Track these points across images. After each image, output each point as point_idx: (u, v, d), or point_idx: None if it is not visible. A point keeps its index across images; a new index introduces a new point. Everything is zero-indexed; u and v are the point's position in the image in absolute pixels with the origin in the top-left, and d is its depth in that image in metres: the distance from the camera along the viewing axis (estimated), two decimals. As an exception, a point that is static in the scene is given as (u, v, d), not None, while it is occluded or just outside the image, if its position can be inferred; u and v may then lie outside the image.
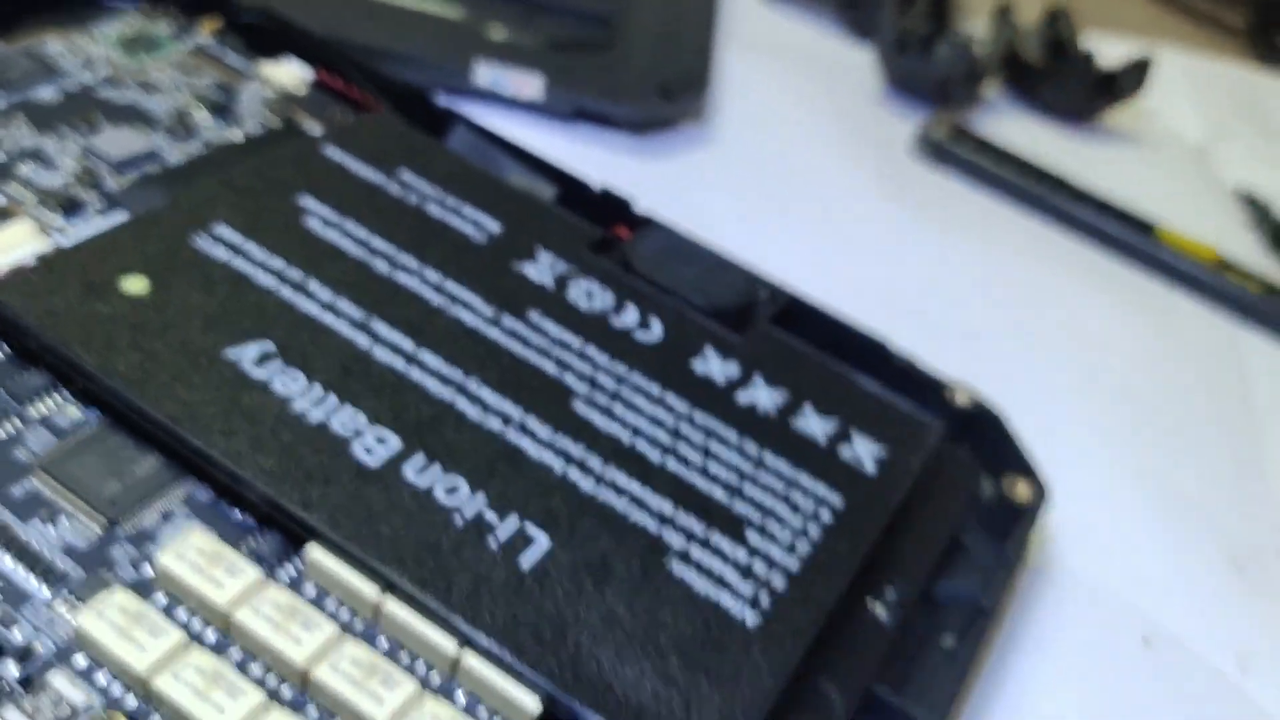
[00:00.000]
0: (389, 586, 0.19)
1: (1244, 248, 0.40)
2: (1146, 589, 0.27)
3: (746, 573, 0.21)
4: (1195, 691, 0.25)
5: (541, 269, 0.26)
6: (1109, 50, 0.46)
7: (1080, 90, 0.44)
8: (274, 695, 0.18)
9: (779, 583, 0.21)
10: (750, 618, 0.20)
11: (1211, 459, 0.31)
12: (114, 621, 0.18)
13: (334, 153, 0.27)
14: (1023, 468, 0.26)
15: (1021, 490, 0.26)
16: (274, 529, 0.20)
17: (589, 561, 0.21)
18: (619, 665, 0.19)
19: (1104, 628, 0.26)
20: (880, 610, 0.23)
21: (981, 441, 0.27)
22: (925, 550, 0.24)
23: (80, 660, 0.18)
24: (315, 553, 0.20)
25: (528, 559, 0.20)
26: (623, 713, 0.18)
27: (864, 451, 0.24)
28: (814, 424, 0.25)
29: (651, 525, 0.21)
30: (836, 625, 0.22)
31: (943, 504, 0.25)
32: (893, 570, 0.23)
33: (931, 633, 0.23)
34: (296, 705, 0.18)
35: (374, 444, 0.21)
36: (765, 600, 0.21)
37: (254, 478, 0.20)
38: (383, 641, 0.19)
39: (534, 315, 0.25)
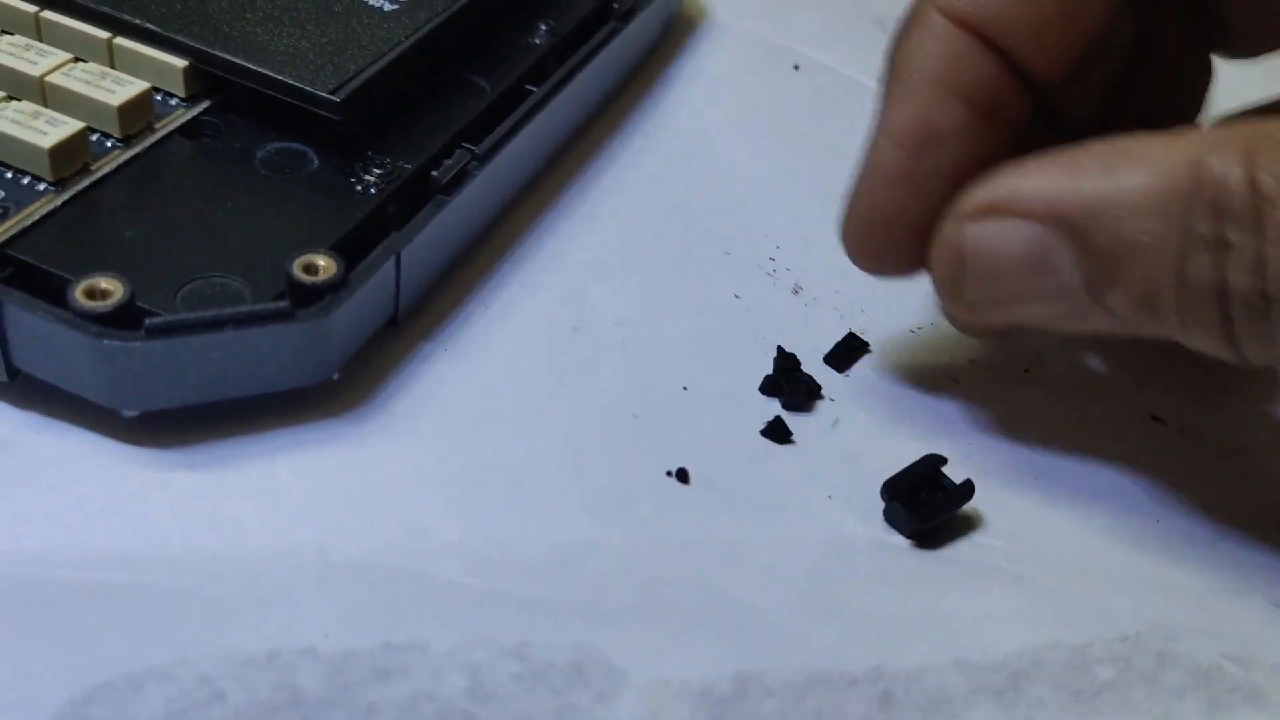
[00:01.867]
0: (46, 4, 0.22)
1: None
2: (798, 38, 0.30)
3: (385, -14, 0.24)
4: (840, 98, 0.29)
5: None
6: None
7: None
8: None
9: (418, -11, 0.24)
10: (386, 6, 0.23)
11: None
12: None
13: None
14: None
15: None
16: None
17: (236, -25, 0.23)
18: (258, 32, 0.22)
19: (758, 60, 0.29)
20: (535, 38, 0.26)
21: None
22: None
23: None
24: (-27, -11, 0.22)
25: (176, -26, 0.23)
26: (260, 56, 0.21)
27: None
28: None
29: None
30: (490, 46, 0.25)
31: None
32: (549, 12, 0.26)
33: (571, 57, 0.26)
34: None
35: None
36: (402, -1, 0.24)
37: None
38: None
39: None
